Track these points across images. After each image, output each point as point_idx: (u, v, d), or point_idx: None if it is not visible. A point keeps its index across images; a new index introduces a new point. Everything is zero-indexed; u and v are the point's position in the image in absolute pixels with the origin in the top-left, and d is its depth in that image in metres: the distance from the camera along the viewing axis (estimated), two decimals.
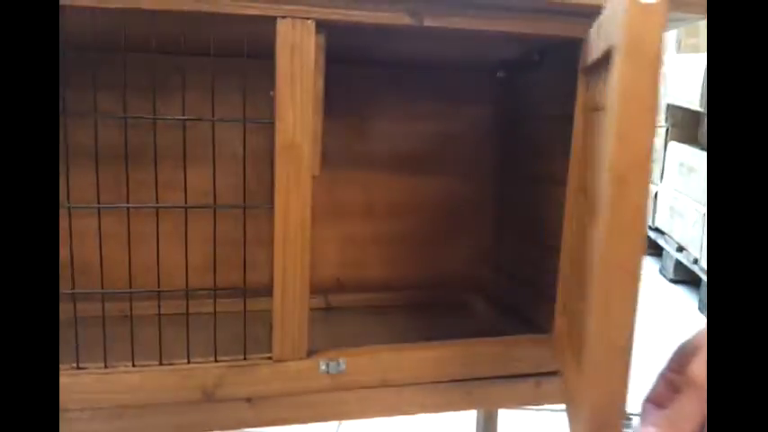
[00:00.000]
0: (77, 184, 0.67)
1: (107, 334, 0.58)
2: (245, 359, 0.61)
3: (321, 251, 0.93)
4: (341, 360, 0.62)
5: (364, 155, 0.95)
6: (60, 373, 0.57)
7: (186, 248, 0.66)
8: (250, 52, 0.83)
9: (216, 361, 0.60)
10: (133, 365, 0.59)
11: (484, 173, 1.00)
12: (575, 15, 0.60)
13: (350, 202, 0.96)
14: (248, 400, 0.61)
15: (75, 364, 0.58)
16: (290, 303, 0.60)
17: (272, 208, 0.59)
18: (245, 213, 0.65)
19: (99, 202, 0.63)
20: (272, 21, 0.56)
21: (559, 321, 0.65)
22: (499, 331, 0.79)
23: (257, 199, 0.89)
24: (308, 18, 0.56)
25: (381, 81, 0.94)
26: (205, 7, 0.55)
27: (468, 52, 0.88)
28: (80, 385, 0.57)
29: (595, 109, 0.54)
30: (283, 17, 0.56)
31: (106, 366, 0.58)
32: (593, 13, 0.53)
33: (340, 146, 0.94)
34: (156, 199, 0.67)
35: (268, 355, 0.61)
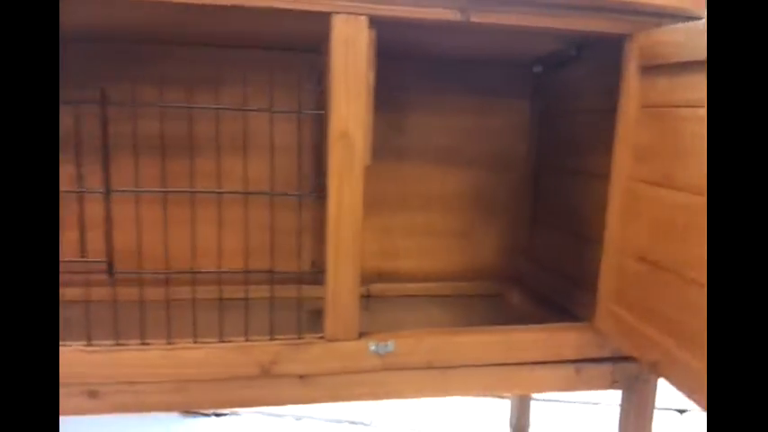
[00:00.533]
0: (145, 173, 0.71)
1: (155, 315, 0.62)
2: (299, 338, 0.64)
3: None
4: (389, 342, 0.65)
5: (401, 147, 0.98)
6: (127, 348, 0.61)
7: (247, 235, 0.70)
8: (285, 46, 0.87)
9: (272, 339, 0.64)
10: (195, 342, 0.62)
11: (518, 165, 1.02)
12: (620, 12, 0.62)
13: (387, 193, 0.99)
14: (301, 377, 0.65)
15: (141, 341, 0.62)
16: (343, 286, 0.63)
17: (324, 197, 0.62)
18: (300, 202, 0.68)
19: (163, 189, 0.67)
20: (327, 16, 0.59)
21: (615, 311, 0.66)
22: (535, 320, 0.82)
23: (299, 189, 0.92)
24: (361, 14, 0.59)
25: (418, 75, 0.97)
26: (263, 3, 0.59)
27: (505, 48, 0.90)
28: (146, 360, 0.61)
29: (674, 105, 0.56)
30: (338, 13, 0.59)
31: (169, 343, 0.62)
32: (639, 11, 0.55)
33: (377, 138, 0.96)
34: (219, 185, 0.71)
35: (320, 334, 0.65)
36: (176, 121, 0.83)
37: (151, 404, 0.62)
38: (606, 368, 0.72)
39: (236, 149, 0.87)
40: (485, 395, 0.70)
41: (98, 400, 0.61)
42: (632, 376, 0.73)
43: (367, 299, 0.97)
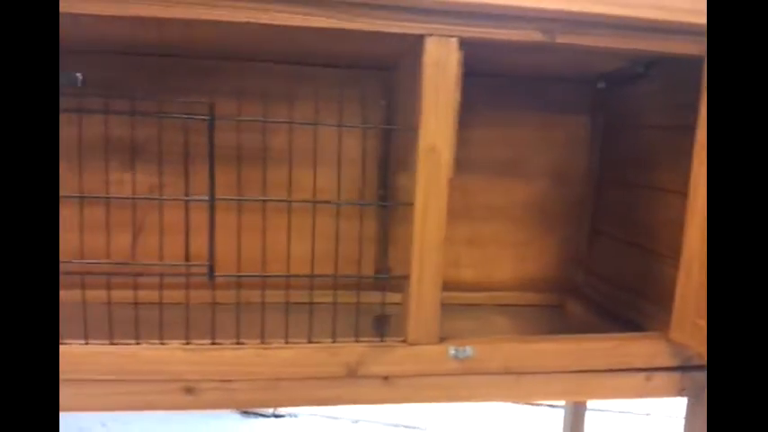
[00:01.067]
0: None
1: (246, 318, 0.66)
2: (382, 341, 0.67)
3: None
4: (468, 347, 0.68)
5: (465, 160, 1.01)
6: (223, 347, 0.65)
7: (337, 243, 0.73)
8: (351, 64, 0.91)
9: (357, 341, 0.67)
10: (286, 342, 0.66)
11: (579, 179, 1.05)
12: (699, 35, 0.64)
13: (451, 204, 1.01)
14: (385, 378, 0.68)
15: (236, 340, 0.66)
16: (426, 292, 0.66)
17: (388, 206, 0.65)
18: (363, 212, 0.72)
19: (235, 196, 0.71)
20: (420, 39, 0.63)
21: (699, 323, 0.67)
22: (597, 330, 0.83)
23: (365, 198, 0.96)
24: (452, 36, 0.63)
25: (482, 90, 1.00)
26: (361, 25, 0.62)
27: (571, 65, 0.93)
28: (241, 358, 0.65)
29: None
30: (431, 35, 0.63)
31: (263, 343, 0.66)
32: None
33: None
34: (289, 195, 0.75)
35: (402, 338, 0.68)
36: (251, 134, 0.88)
37: (244, 401, 0.66)
38: (676, 377, 0.74)
39: (305, 161, 0.91)
40: (557, 400, 0.72)
41: (194, 396, 0.65)
42: (700, 385, 0.74)
43: None
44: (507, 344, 0.70)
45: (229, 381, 0.66)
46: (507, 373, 0.70)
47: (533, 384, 0.70)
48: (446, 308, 1.04)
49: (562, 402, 1.18)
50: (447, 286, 1.04)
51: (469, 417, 1.21)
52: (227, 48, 0.86)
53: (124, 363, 0.64)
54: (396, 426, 1.19)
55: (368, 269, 0.98)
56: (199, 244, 0.88)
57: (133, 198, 0.84)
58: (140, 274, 0.70)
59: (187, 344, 0.65)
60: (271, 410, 1.19)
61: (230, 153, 0.91)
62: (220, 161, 0.91)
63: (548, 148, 1.03)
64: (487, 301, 1.02)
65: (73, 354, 0.63)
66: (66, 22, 0.58)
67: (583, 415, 1.14)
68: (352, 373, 0.67)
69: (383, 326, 0.86)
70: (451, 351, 0.68)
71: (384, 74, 0.95)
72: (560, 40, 0.65)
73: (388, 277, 0.82)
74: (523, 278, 1.05)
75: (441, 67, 0.63)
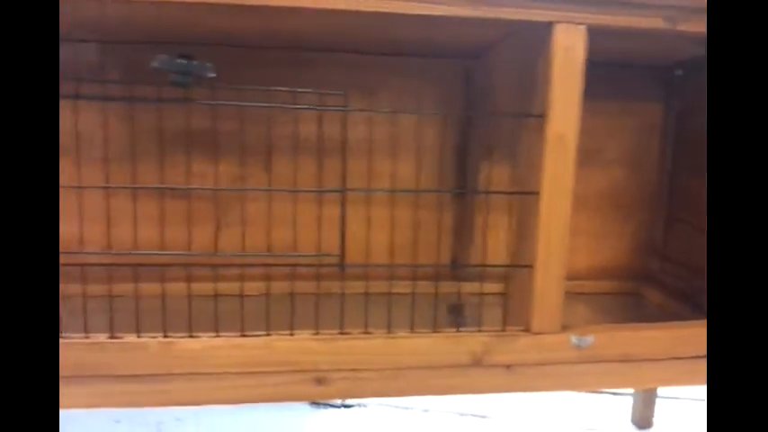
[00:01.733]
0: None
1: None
2: (503, 330, 0.68)
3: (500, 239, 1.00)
4: (589, 335, 0.68)
5: None
6: (352, 337, 0.65)
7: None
8: (432, 53, 0.91)
9: (480, 331, 0.67)
10: (411, 332, 0.66)
11: (653, 166, 1.05)
12: None
13: None
14: (507, 366, 0.68)
15: (364, 330, 0.66)
16: (551, 281, 0.67)
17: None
18: (487, 200, 0.72)
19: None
20: (548, 26, 0.63)
21: None
22: (679, 317, 0.84)
23: (440, 187, 0.96)
24: (581, 23, 0.63)
25: None
26: (487, 13, 0.62)
27: (650, 52, 0.93)
28: (369, 348, 0.65)
29: None
30: (560, 23, 0.62)
31: (389, 332, 0.66)
32: None
33: None
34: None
35: (523, 327, 0.68)
36: (332, 125, 0.88)
37: (372, 390, 0.66)
38: None
39: (384, 151, 0.92)
40: (672, 386, 0.72)
41: (324, 386, 0.66)
42: None
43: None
44: (625, 332, 0.71)
45: (358, 370, 0.66)
46: (625, 360, 0.70)
47: (651, 371, 0.71)
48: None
49: (630, 390, 1.19)
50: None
51: (535, 405, 1.22)
52: (309, 39, 0.86)
53: (256, 355, 0.64)
54: (464, 415, 1.20)
55: (444, 259, 0.98)
56: (282, 236, 0.89)
57: (267, 190, 0.84)
58: (248, 266, 0.71)
59: (316, 334, 0.65)
60: (339, 401, 1.19)
61: (312, 145, 0.91)
62: (302, 152, 0.92)
63: (623, 135, 1.03)
64: (567, 290, 1.02)
65: (204, 347, 0.63)
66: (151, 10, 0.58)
67: (653, 401, 1.15)
68: (477, 363, 0.67)
69: (458, 315, 0.86)
70: (573, 340, 0.68)
71: (464, 61, 0.95)
72: (680, 27, 0.65)
73: (481, 266, 0.82)
74: (599, 266, 1.05)
75: (569, 55, 0.63)
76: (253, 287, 0.75)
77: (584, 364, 0.69)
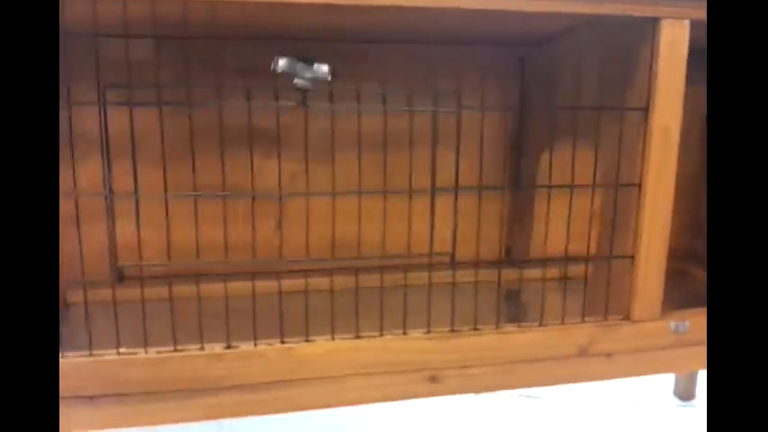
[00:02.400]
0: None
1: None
2: (605, 320, 0.69)
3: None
4: (687, 321, 0.70)
5: None
6: (463, 334, 0.66)
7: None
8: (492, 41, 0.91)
9: (583, 321, 0.69)
10: (519, 326, 0.67)
11: (697, 148, 1.07)
12: None
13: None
14: (608, 355, 0.70)
15: (473, 327, 0.67)
16: (652, 271, 0.68)
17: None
18: (571, 193, 0.72)
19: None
20: (654, 21, 0.63)
21: None
22: None
23: (504, 179, 0.97)
24: (685, 18, 0.63)
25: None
26: (590, 10, 0.62)
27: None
28: (479, 344, 0.66)
29: None
30: (666, 18, 0.63)
31: (498, 327, 0.67)
32: None
33: None
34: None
35: (623, 316, 0.70)
36: (395, 119, 0.87)
37: (483, 386, 0.67)
38: None
39: (444, 144, 0.91)
40: None
41: (438, 384, 0.66)
42: None
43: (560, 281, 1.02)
44: None
45: (469, 367, 0.67)
46: None
47: None
48: (578, 282, 1.07)
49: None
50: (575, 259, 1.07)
51: (583, 387, 1.26)
52: (370, 31, 0.85)
53: (372, 356, 0.64)
54: (512, 396, 1.23)
55: (500, 247, 0.99)
56: (345, 231, 0.88)
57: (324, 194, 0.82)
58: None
59: (428, 332, 0.66)
60: None
61: (377, 139, 0.90)
62: (366, 147, 0.91)
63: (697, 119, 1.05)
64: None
65: (322, 352, 0.63)
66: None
67: (695, 375, 1.19)
68: (582, 353, 0.68)
69: (514, 302, 0.88)
70: (672, 326, 0.70)
71: (521, 49, 0.95)
72: None
73: (571, 259, 0.83)
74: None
75: (674, 49, 0.64)
76: (318, 284, 0.74)
77: (681, 348, 0.71)
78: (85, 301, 0.62)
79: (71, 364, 0.59)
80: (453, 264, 0.69)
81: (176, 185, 0.76)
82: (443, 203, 0.70)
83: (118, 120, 0.68)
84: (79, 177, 0.79)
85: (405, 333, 0.65)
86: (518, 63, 0.96)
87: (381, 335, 0.65)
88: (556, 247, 1.01)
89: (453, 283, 0.71)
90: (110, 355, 0.60)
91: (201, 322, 0.62)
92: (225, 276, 0.66)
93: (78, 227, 0.61)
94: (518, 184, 0.99)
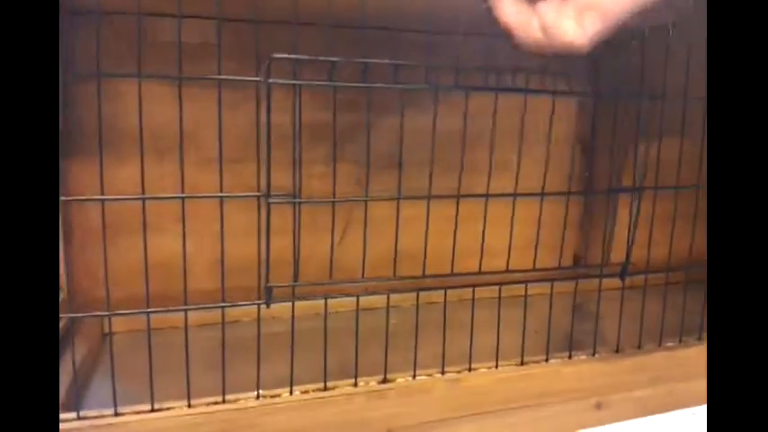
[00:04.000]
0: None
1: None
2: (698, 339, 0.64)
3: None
4: None
5: None
6: (626, 356, 0.59)
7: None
8: None
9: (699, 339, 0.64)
10: (680, 342, 0.62)
11: None
12: None
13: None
14: None
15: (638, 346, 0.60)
16: None
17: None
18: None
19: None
20: None
21: None
22: None
23: (572, 182, 0.92)
24: None
25: None
26: None
27: None
28: (643, 364, 0.60)
29: None
30: None
31: (639, 347, 0.61)
32: None
33: None
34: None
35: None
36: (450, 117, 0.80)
37: (647, 409, 0.61)
38: None
39: (505, 142, 0.85)
40: None
41: (603, 410, 0.59)
42: None
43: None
44: None
45: (634, 389, 0.60)
46: None
47: None
48: (637, 291, 1.03)
49: None
50: (636, 268, 1.03)
51: None
52: (441, 22, 0.77)
53: (539, 384, 0.56)
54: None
55: (568, 254, 0.94)
56: (409, 240, 0.79)
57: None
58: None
59: (594, 355, 0.59)
60: None
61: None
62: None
63: None
64: (673, 280, 1.02)
65: (489, 382, 0.54)
66: None
67: None
68: None
69: (584, 313, 0.83)
70: None
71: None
72: None
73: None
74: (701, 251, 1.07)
75: None
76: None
77: None
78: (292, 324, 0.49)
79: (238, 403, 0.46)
80: (578, 273, 0.62)
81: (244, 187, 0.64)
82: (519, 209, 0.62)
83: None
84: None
85: (570, 357, 0.58)
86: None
87: (546, 360, 0.57)
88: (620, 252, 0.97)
89: (599, 298, 0.64)
90: (246, 400, 0.48)
91: (330, 349, 0.51)
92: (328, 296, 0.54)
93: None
94: (611, 188, 0.93)
